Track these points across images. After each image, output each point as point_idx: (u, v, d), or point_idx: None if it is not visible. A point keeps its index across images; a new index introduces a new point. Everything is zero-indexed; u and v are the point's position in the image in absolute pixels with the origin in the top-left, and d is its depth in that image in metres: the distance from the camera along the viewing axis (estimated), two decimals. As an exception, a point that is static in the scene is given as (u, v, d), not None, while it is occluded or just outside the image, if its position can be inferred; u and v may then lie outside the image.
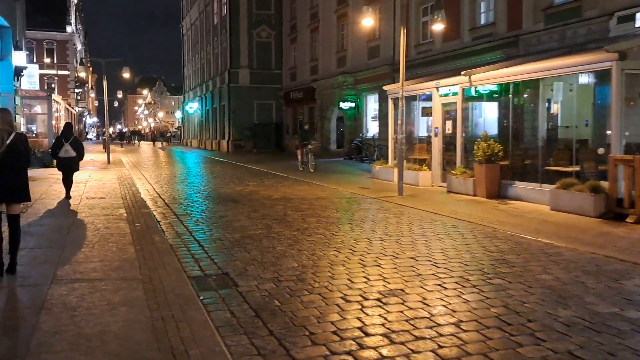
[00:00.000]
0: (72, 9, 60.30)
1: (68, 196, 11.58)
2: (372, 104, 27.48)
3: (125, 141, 63.14)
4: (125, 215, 9.46)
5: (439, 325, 4.30)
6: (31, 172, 17.10)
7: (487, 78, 12.64)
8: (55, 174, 17.17)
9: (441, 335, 4.10)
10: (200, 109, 52.32)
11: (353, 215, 9.91)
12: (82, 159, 11.91)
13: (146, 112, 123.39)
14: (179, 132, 72.97)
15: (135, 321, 4.26)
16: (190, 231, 8.30)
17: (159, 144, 54.64)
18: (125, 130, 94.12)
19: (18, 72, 16.77)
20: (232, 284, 5.44)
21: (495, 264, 6.20)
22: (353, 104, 27.98)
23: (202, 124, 51.05)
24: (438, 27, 13.12)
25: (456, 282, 5.46)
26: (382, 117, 24.26)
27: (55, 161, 12.09)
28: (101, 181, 15.60)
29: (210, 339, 3.97)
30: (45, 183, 14.68)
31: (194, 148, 50.18)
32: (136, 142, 65.83)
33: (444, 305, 4.77)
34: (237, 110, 39.92)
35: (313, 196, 12.56)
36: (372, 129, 27.27)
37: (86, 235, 7.60)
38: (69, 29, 57.81)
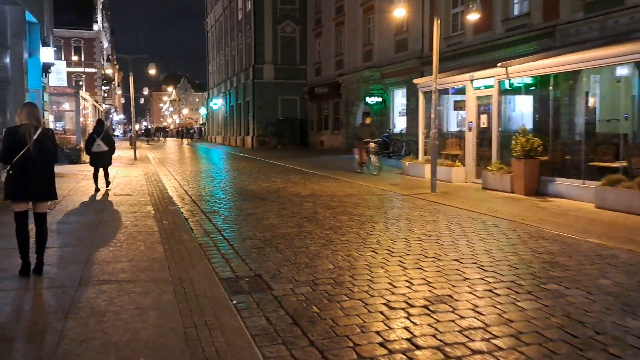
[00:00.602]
0: (99, 7, 60.92)
1: (97, 189, 12.00)
2: (399, 98, 26.98)
3: (150, 138, 63.64)
4: (153, 212, 9.25)
5: (496, 337, 3.92)
6: (59, 169, 17.18)
7: (525, 70, 12.09)
8: (84, 170, 17.24)
9: (500, 349, 3.71)
10: (224, 105, 52.36)
11: (386, 213, 9.53)
12: (113, 153, 12.31)
13: (171, 109, 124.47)
14: (202, 128, 73.39)
15: (167, 328, 3.98)
16: (219, 229, 8.03)
17: (186, 140, 54.94)
18: (150, 127, 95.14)
19: (46, 68, 16.78)
20: (266, 287, 5.13)
21: (547, 267, 5.76)
22: (380, 99, 27.50)
23: (227, 120, 51.08)
24: (473, 17, 12.61)
25: (508, 288, 5.05)
26: (410, 112, 23.77)
27: (88, 157, 12.46)
28: (128, 177, 15.51)
29: (246, 349, 3.66)
30: (73, 179, 14.62)
31: (219, 144, 50.25)
32: (161, 138, 66.36)
33: (498, 314, 4.38)
34: (261, 106, 39.77)
35: (342, 193, 12.21)
36: (399, 124, 26.78)
37: (114, 233, 7.39)
38: (95, 27, 58.42)
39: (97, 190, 11.96)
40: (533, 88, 12.94)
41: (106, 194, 11.65)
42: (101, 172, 12.34)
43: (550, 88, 11.99)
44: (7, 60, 12.72)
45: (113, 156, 12.72)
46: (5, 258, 5.81)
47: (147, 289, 4.86)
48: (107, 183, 12.41)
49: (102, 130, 12.25)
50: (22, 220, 5.36)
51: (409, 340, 3.87)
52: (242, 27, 44.36)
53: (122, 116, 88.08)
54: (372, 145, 16.51)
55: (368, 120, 17.43)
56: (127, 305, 4.45)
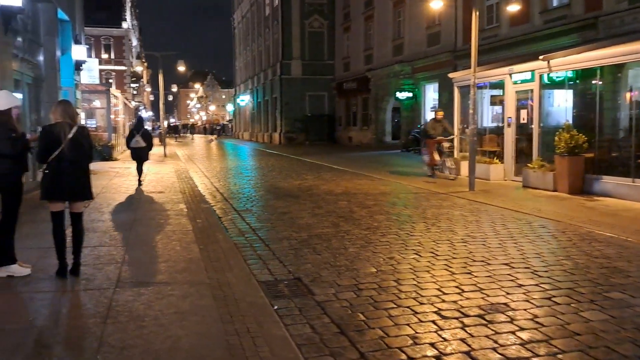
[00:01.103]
0: (127, 6, 61.60)
1: (140, 183, 12.63)
2: (431, 93, 26.47)
3: (178, 135, 64.17)
4: (186, 210, 9.13)
5: (563, 351, 3.60)
6: (92, 166, 17.28)
7: (569, 63, 11.58)
8: (116, 167, 17.37)
9: (569, 365, 3.41)
10: (251, 102, 52.43)
11: (425, 212, 9.21)
12: (150, 149, 13.05)
13: (198, 105, 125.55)
14: (229, 125, 73.78)
15: (208, 335, 3.79)
16: (253, 229, 7.85)
17: (213, 137, 55.24)
18: (177, 123, 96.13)
19: (78, 66, 16.86)
20: (307, 292, 4.91)
21: (606, 273, 5.39)
22: (410, 94, 27.04)
23: (254, 116, 51.14)
24: (513, 8, 12.14)
25: (567, 296, 4.71)
26: (442, 107, 23.26)
27: (130, 151, 13.25)
28: (159, 174, 15.50)
29: (293, 361, 3.44)
30: (106, 177, 14.66)
31: (246, 140, 50.37)
32: (189, 135, 66.89)
33: (561, 325, 4.05)
34: (289, 103, 39.64)
35: (377, 191, 11.93)
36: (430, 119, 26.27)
37: (149, 232, 7.27)
38: (124, 25, 59.09)
39: (141, 181, 12.74)
40: (574, 82, 12.43)
41: (139, 190, 11.65)
42: (134, 167, 12.86)
43: (595, 81, 11.47)
44: (41, 58, 12.78)
45: (150, 152, 13.24)
46: (42, 258, 5.72)
47: (185, 292, 4.69)
48: (140, 181, 12.74)
49: (141, 127, 12.88)
50: (58, 220, 5.24)
51: (467, 354, 3.59)
52: (269, 23, 44.26)
53: (150, 113, 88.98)
54: (446, 144, 14.16)
55: (440, 115, 14.58)
56: (166, 309, 4.28)
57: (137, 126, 12.97)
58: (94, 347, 3.58)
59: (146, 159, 12.98)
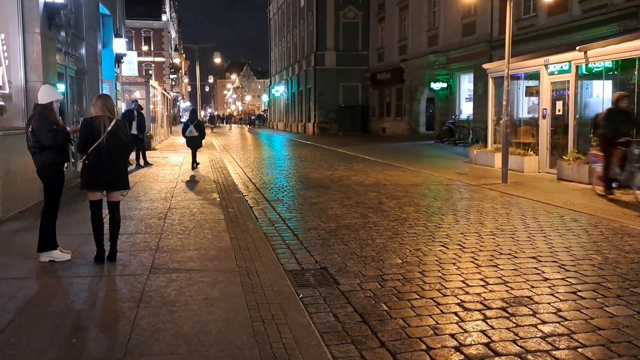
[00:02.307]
0: (167, -2, 62.57)
1: (193, 166, 14.28)
2: (466, 84, 26.13)
3: (214, 125, 65.02)
4: (219, 200, 9.36)
5: (584, 345, 3.61)
6: (131, 155, 17.78)
7: (607, 53, 11.26)
8: (154, 156, 17.82)
9: (589, 359, 3.42)
10: (286, 92, 52.70)
11: (455, 204, 9.18)
12: (203, 138, 14.64)
13: (234, 96, 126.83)
14: (265, 115, 74.41)
15: (235, 321, 3.94)
16: (283, 219, 8.01)
17: (248, 127, 55.75)
18: (216, 114, 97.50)
19: (118, 59, 17.31)
20: (333, 281, 5.02)
21: (636, 269, 5.32)
22: (445, 84, 26.74)
23: (288, 107, 51.42)
24: (551, -3, 11.84)
25: (593, 290, 4.68)
26: (478, 98, 22.96)
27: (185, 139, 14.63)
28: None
29: (315, 347, 3.55)
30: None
31: (280, 131, 50.71)
32: (224, 124, 67.69)
33: (585, 320, 4.05)
34: (322, 93, 39.69)
35: (407, 182, 11.92)
36: (465, 110, 25.95)
37: (182, 221, 7.51)
38: (164, 17, 60.10)
39: (194, 164, 14.33)
40: (613, 73, 12.08)
41: (171, 182, 11.97)
42: (186, 156, 14.23)
43: (635, 72, 11.12)
44: (83, 51, 13.18)
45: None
46: (82, 244, 6.01)
47: (215, 280, 4.87)
48: (195, 164, 14.35)
49: (195, 118, 14.62)
50: (96, 208, 5.50)
51: (486, 345, 3.64)
52: (304, 14, 44.30)
53: (188, 103, 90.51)
54: (637, 150, 9.16)
55: (624, 102, 9.68)
56: (196, 295, 4.46)
57: (192, 118, 14.71)
58: (127, 330, 3.78)
59: (199, 146, 14.61)
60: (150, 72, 56.38)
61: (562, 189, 10.79)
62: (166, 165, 15.58)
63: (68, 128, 5.80)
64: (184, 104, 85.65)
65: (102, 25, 14.74)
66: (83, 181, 5.44)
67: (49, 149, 5.38)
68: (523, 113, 15.49)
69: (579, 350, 3.55)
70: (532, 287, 4.79)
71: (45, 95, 5.52)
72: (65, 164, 5.75)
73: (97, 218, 5.48)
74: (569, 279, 5.00)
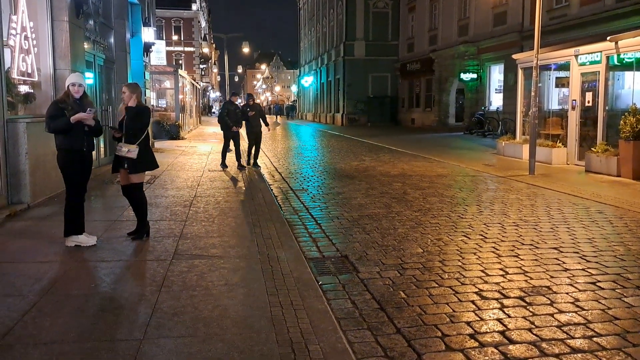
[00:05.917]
0: (197, -12, 62.99)
1: (256, 164, 13.31)
2: (496, 74, 25.70)
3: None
4: (244, 188, 9.49)
5: (599, 335, 3.60)
6: (159, 144, 18.12)
7: (639, 44, 10.95)
8: (182, 145, 18.11)
9: (604, 348, 3.41)
10: (315, 83, 52.67)
11: (480, 195, 9.12)
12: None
13: (264, 86, 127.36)
14: (294, 105, 74.55)
15: (254, 306, 4.03)
16: (306, 207, 8.08)
17: (278, 118, 55.99)
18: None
19: (147, 48, 17.56)
20: (352, 269, 5.08)
21: (660, 261, 5.23)
22: (475, 75, 26.34)
23: (317, 97, 51.40)
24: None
25: (613, 282, 4.63)
26: (508, 89, 22.56)
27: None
28: (222, 154, 16.01)
29: (331, 333, 3.62)
30: (172, 155, 15.37)
31: (309, 121, 50.77)
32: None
33: (602, 310, 4.02)
34: (351, 84, 39.54)
35: (433, 173, 11.86)
36: (495, 101, 25.55)
37: (207, 208, 7.65)
38: (194, 7, 60.56)
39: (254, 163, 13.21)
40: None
41: (198, 171, 12.17)
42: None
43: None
44: (112, 40, 13.43)
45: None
46: (108, 230, 6.19)
47: (236, 266, 4.97)
48: (254, 161, 13.44)
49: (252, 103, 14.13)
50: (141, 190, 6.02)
51: (501, 333, 3.65)
52: (333, 4, 44.11)
53: (218, 93, 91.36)
54: None
55: None
56: (217, 280, 4.56)
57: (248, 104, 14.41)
58: (148, 312, 3.90)
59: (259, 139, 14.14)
60: (180, 61, 57.00)
61: (590, 180, 10.60)
62: (194, 154, 15.83)
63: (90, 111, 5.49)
64: (214, 94, 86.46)
65: (130, 14, 14.93)
66: (142, 165, 5.79)
67: (59, 134, 5.46)
68: (553, 104, 15.20)
69: (594, 339, 3.54)
70: (552, 277, 4.76)
71: (66, 80, 5.68)
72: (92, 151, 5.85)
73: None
74: (589, 270, 4.95)
